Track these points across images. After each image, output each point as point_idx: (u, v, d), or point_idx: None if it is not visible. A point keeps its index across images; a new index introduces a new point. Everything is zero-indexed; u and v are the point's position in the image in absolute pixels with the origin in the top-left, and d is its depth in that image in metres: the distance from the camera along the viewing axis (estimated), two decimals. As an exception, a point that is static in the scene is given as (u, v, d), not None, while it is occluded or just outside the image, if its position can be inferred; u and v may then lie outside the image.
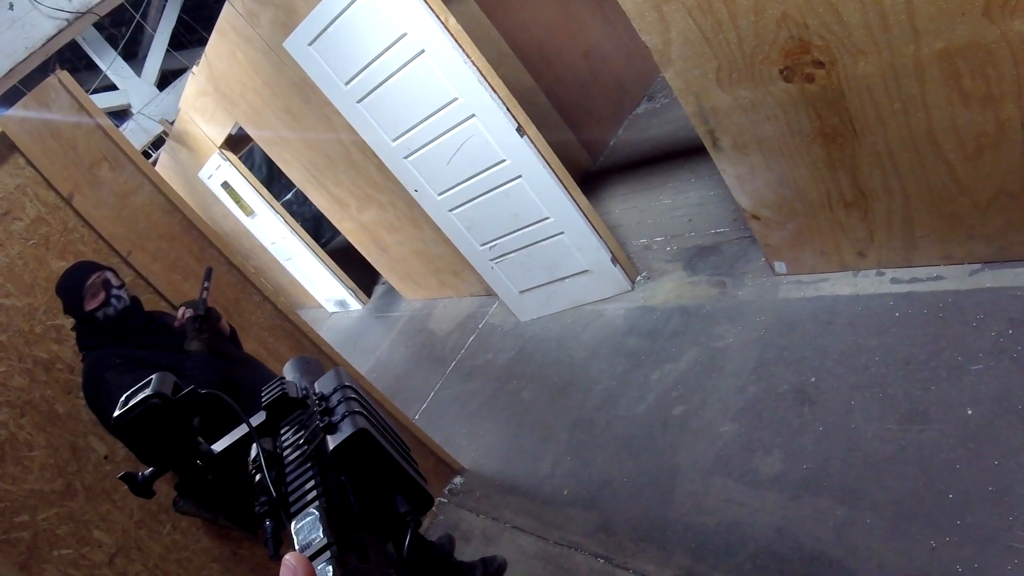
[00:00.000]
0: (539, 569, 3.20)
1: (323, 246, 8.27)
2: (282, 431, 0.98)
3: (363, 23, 3.73)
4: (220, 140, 7.03)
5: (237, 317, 3.37)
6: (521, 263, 4.56)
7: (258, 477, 0.90)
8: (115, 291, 2.76)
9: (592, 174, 6.31)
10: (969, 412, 2.41)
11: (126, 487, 2.79)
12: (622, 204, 5.56)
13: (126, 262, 3.07)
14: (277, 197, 7.93)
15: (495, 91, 3.71)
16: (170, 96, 9.86)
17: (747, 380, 3.19)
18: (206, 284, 2.89)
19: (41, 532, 2.82)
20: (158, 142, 9.77)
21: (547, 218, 4.16)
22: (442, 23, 3.55)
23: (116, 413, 0.92)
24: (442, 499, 3.98)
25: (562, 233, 4.21)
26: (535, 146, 3.86)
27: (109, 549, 2.95)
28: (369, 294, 8.51)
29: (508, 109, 3.76)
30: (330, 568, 0.62)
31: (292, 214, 7.98)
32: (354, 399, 0.96)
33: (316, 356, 3.57)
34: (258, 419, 0.99)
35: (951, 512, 2.21)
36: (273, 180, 11.48)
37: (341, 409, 0.92)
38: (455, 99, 3.80)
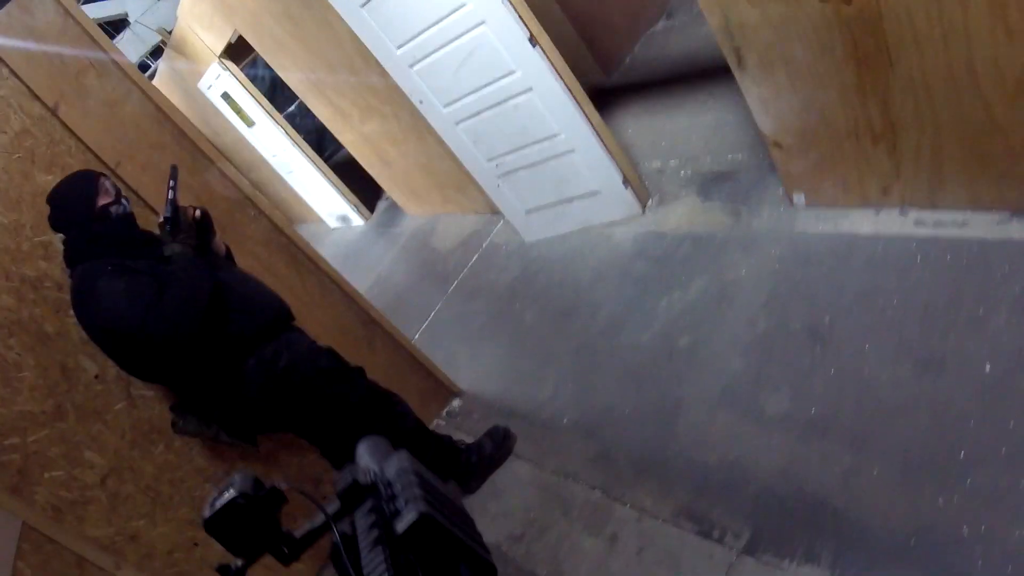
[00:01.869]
0: (535, 497, 3.15)
1: (326, 160, 8.13)
2: (356, 514, 1.11)
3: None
4: (219, 49, 6.88)
5: (232, 231, 3.25)
6: (528, 181, 4.41)
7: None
8: (122, 194, 2.71)
9: (605, 91, 6.08)
10: (987, 367, 2.28)
11: (118, 406, 2.74)
12: (635, 123, 5.37)
13: (115, 174, 2.93)
14: (280, 109, 7.80)
15: (507, -3, 3.51)
16: (168, 4, 9.62)
17: (758, 314, 3.07)
18: (172, 184, 2.71)
19: (32, 454, 2.77)
20: (156, 52, 9.58)
21: (557, 134, 3.99)
22: (454, -80, 3.35)
23: (206, 515, 1.06)
24: (439, 420, 3.91)
25: (572, 151, 4.04)
26: (547, 58, 3.66)
27: (101, 470, 2.91)
28: (372, 209, 8.38)
29: (520, 17, 3.55)
30: None
31: (294, 127, 7.86)
32: (415, 483, 1.07)
33: (314, 272, 3.52)
34: (333, 508, 1.12)
35: (961, 470, 2.10)
36: (276, 92, 11.27)
37: (405, 494, 1.04)
38: (463, 4, 3.60)
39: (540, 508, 3.08)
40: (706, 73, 5.20)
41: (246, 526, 1.09)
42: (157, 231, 2.69)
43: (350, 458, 1.23)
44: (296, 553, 1.16)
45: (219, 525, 1.08)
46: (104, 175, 2.70)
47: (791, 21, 2.60)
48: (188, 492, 3.12)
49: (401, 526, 0.98)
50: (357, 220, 8.34)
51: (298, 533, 1.15)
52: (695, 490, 2.66)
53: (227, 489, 1.09)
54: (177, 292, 2.50)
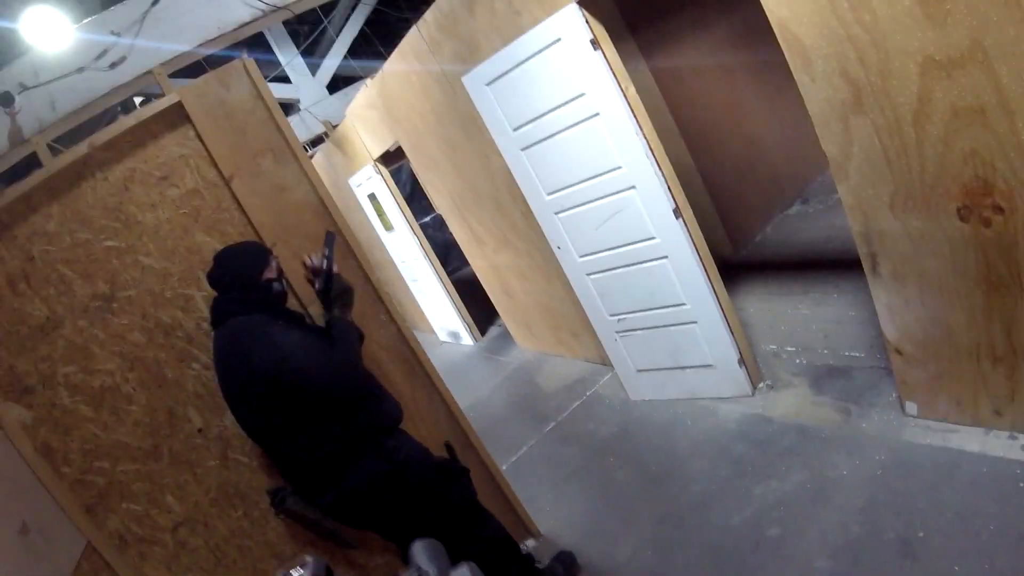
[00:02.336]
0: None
1: (449, 274, 8.35)
2: None
3: (543, 75, 3.78)
4: (377, 153, 7.26)
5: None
6: (646, 342, 4.48)
7: None
8: (283, 274, 2.89)
9: (732, 266, 6.17)
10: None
11: (211, 463, 2.84)
12: (757, 303, 5.42)
13: (269, 252, 3.13)
14: (415, 218, 8.09)
15: (660, 167, 3.68)
16: (337, 100, 10.25)
17: (853, 518, 3.02)
18: (327, 252, 2.89)
19: (116, 483, 2.93)
20: (316, 141, 10.14)
21: (684, 304, 4.08)
22: (622, 90, 3.57)
23: None
24: (512, 559, 3.87)
25: (695, 322, 4.12)
26: (688, 230, 3.80)
27: (176, 517, 3.04)
28: (483, 332, 8.52)
29: (669, 188, 3.72)
30: None
31: (426, 238, 8.10)
32: None
33: (424, 384, 3.60)
34: None
35: None
36: (413, 201, 11.71)
37: None
38: (618, 167, 3.79)
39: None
40: (835, 265, 5.27)
41: None
42: (312, 296, 2.89)
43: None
44: None
45: None
46: (273, 253, 2.88)
47: (929, 237, 2.69)
48: (253, 562, 3.20)
49: None
50: (467, 339, 8.47)
51: None
52: None
53: (299, 569, 1.10)
54: (345, 348, 2.69)
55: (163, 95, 3.07)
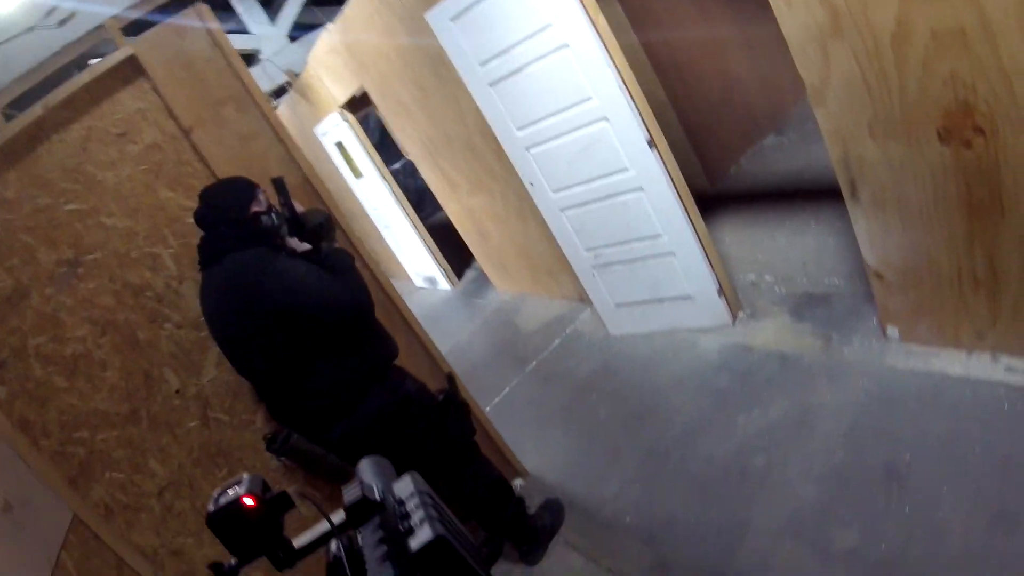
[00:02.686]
0: (586, 594, 3.09)
1: (422, 220, 8.26)
2: (360, 530, 1.07)
3: (509, 6, 3.67)
4: (343, 100, 7.12)
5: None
6: (623, 276, 4.44)
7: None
8: (272, 208, 2.74)
9: (708, 198, 6.11)
10: (1065, 533, 2.21)
11: (191, 424, 2.77)
12: (734, 234, 5.39)
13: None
14: (385, 164, 7.97)
15: (632, 98, 3.60)
16: (300, 48, 10.02)
17: (837, 444, 3.02)
18: (281, 199, 2.78)
19: (97, 452, 2.85)
20: (279, 91, 9.93)
21: (660, 235, 4.03)
22: (591, 20, 3.46)
23: (210, 509, 1.04)
24: (501, 498, 3.86)
25: (672, 254, 4.07)
26: (663, 161, 3.73)
27: (160, 481, 2.97)
28: (460, 276, 8.48)
29: (642, 119, 3.64)
30: None
31: (397, 184, 8.00)
32: (430, 505, 1.07)
33: (403, 330, 3.55)
34: (338, 518, 1.09)
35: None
36: (383, 148, 11.55)
37: (419, 514, 1.04)
38: (589, 99, 3.71)
39: (590, 605, 3.03)
40: (812, 194, 5.23)
41: (247, 526, 1.06)
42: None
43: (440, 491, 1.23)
44: (292, 560, 1.13)
45: (221, 523, 1.06)
46: (259, 187, 2.76)
47: (910, 161, 2.64)
48: (241, 521, 3.15)
49: (416, 544, 0.97)
50: (444, 284, 8.44)
51: (299, 542, 1.14)
52: (751, 616, 2.58)
53: (233, 486, 1.08)
54: (353, 276, 2.71)
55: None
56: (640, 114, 3.64)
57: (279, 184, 2.78)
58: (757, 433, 3.34)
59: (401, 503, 1.08)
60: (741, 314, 4.26)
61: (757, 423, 3.40)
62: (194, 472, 3.04)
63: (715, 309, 4.20)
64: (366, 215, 8.84)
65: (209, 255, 2.63)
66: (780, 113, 7.10)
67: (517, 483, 3.87)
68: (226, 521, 1.05)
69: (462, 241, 7.19)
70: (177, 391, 3.00)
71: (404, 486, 1.13)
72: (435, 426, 2.94)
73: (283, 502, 1.09)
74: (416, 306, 8.21)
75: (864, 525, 2.63)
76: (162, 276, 2.95)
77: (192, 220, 2.69)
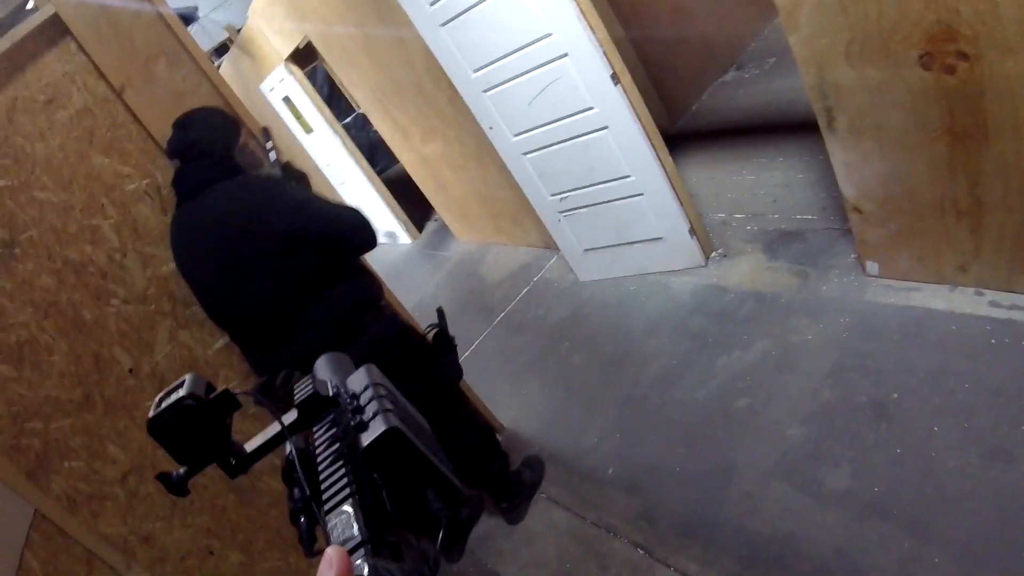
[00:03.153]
0: (571, 548, 3.03)
1: (377, 174, 8.09)
2: (314, 429, 0.98)
3: (457, -62, 3.46)
4: (286, 53, 6.88)
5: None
6: (591, 220, 4.30)
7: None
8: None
9: (670, 137, 5.96)
10: (1058, 463, 2.17)
11: (148, 404, 2.63)
12: (699, 173, 5.27)
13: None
14: (336, 119, 7.78)
15: (594, 32, 3.42)
16: (239, 2, 9.68)
17: (822, 383, 2.95)
18: (269, 145, 2.75)
19: (53, 441, 2.69)
20: (221, 49, 9.62)
21: (628, 176, 3.89)
22: (547, -50, 3.27)
23: (151, 415, 0.94)
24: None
25: (641, 195, 3.94)
26: (628, 97, 3.57)
27: (122, 466, 2.83)
28: (420, 229, 8.35)
29: (605, 53, 3.46)
30: (366, 565, 0.63)
31: (350, 139, 7.80)
32: (385, 396, 0.98)
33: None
34: (290, 417, 1.00)
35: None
36: (333, 102, 11.30)
37: (372, 407, 0.95)
38: (548, 35, 3.52)
39: (576, 560, 2.96)
40: (776, 129, 5.14)
41: (193, 431, 0.99)
42: None
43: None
44: (245, 466, 1.05)
45: (164, 428, 0.98)
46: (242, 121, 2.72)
47: (889, 87, 2.52)
48: (210, 500, 3.03)
49: (367, 439, 0.89)
50: (404, 238, 8.30)
51: (250, 446, 1.05)
52: (744, 561, 2.54)
53: (176, 389, 0.98)
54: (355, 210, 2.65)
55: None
56: (602, 48, 3.46)
57: (266, 132, 2.79)
58: (738, 374, 3.26)
59: (355, 397, 0.99)
60: (714, 254, 4.16)
61: (737, 364, 3.32)
62: (156, 454, 2.89)
63: (687, 250, 4.09)
64: (319, 171, 8.60)
65: (192, 186, 2.52)
66: (738, 49, 6.99)
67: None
68: (169, 426, 0.97)
69: (420, 193, 7.04)
70: (130, 371, 2.84)
71: (358, 379, 1.03)
72: (428, 362, 2.87)
73: (228, 401, 1.00)
74: (377, 262, 8.07)
75: (855, 465, 2.58)
76: (104, 249, 2.76)
77: (131, 188, 2.62)
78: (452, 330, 2.98)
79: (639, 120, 3.64)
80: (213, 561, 3.06)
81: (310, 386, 0.99)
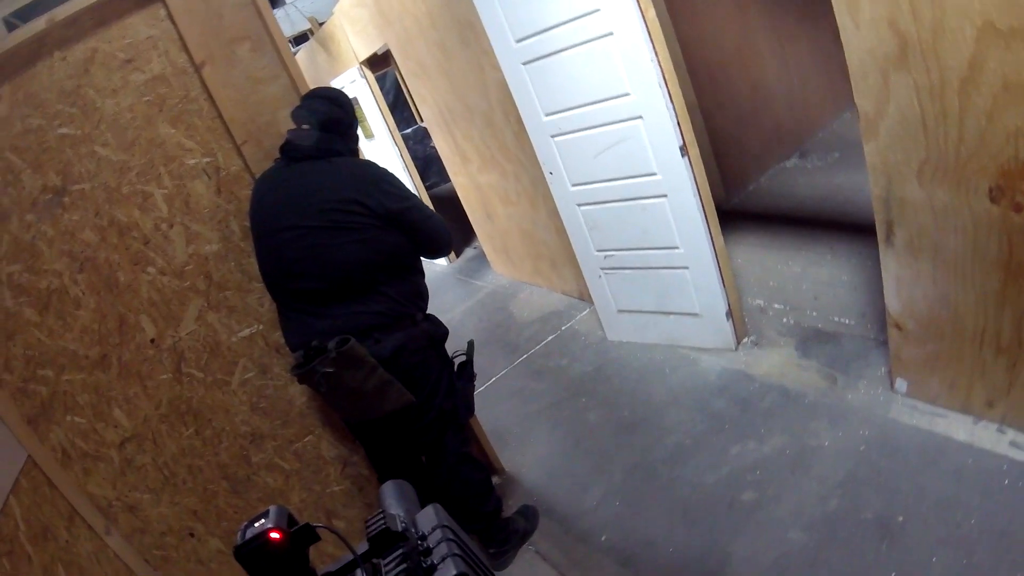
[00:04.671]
0: (551, 609, 2.98)
1: (427, 189, 8.12)
2: (384, 562, 1.10)
3: (555, -16, 3.48)
4: (364, 56, 6.96)
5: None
6: (632, 282, 4.30)
7: None
8: None
9: (723, 212, 5.96)
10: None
11: (163, 376, 2.67)
12: (746, 254, 5.26)
13: (238, 150, 2.88)
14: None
15: (672, 99, 3.44)
16: (326, -3, 9.80)
17: (831, 491, 2.91)
18: None
19: (60, 393, 2.71)
20: (300, 38, 9.73)
21: (677, 248, 3.89)
22: (641, 11, 3.29)
23: (237, 542, 1.06)
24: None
25: (687, 268, 3.93)
26: (692, 170, 3.58)
27: (124, 432, 2.84)
28: (458, 254, 8.36)
29: (679, 123, 3.48)
30: None
31: (407, 150, 7.85)
32: (452, 540, 1.11)
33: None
34: (362, 549, 1.12)
35: None
36: (396, 110, 11.38)
37: (442, 549, 1.08)
38: (627, 94, 3.53)
39: (553, 622, 2.92)
40: (830, 225, 5.13)
41: (275, 559, 1.08)
42: None
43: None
44: None
45: (248, 554, 1.07)
46: None
47: (954, 212, 2.52)
48: (203, 483, 3.04)
49: None
50: (441, 260, 8.25)
51: (323, 572, 1.16)
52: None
53: (260, 519, 1.09)
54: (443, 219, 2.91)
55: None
56: (677, 117, 3.48)
57: None
58: (750, 466, 3.23)
59: (423, 537, 1.12)
60: (746, 339, 4.14)
61: (751, 455, 3.28)
62: (159, 428, 2.91)
63: (721, 331, 4.07)
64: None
65: (316, 152, 2.66)
66: (806, 135, 6.99)
67: (493, 480, 3.74)
68: (254, 555, 1.07)
69: (465, 217, 7.06)
70: (152, 340, 2.85)
71: (427, 518, 1.17)
72: (451, 379, 3.00)
73: (308, 535, 1.10)
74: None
75: (850, 581, 2.53)
76: (151, 217, 2.78)
77: (191, 163, 2.75)
78: (475, 363, 3.01)
79: (699, 195, 3.64)
80: (192, 543, 3.06)
81: (382, 520, 1.10)
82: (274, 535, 1.07)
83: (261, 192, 2.71)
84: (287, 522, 1.10)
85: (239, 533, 1.08)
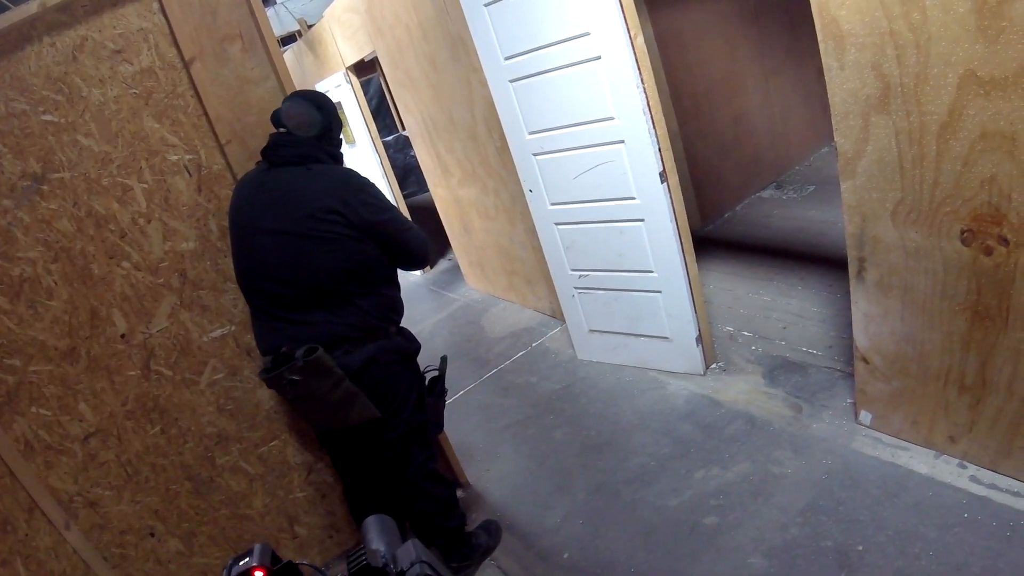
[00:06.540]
0: (508, 626, 2.98)
1: (404, 198, 8.12)
2: None
3: (549, 5, 3.52)
4: (351, 61, 6.97)
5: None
6: (604, 303, 4.33)
7: None
8: None
9: (698, 238, 6.06)
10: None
11: (131, 372, 2.66)
12: (717, 281, 5.32)
13: (221, 149, 2.87)
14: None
15: (655, 126, 3.48)
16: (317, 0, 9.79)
17: (792, 519, 2.94)
18: None
19: (27, 383, 2.69)
20: (287, 39, 9.71)
21: (651, 272, 3.92)
22: (630, 37, 3.34)
23: None
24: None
25: (659, 292, 3.97)
26: (671, 197, 3.62)
27: (88, 427, 2.83)
28: (432, 265, 8.36)
29: (660, 149, 3.52)
30: None
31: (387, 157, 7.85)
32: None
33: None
34: None
35: None
36: (378, 116, 11.38)
37: None
38: (611, 118, 3.58)
39: (511, 638, 2.92)
40: (803, 257, 5.20)
41: None
42: None
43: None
44: None
45: None
46: None
47: (926, 253, 2.59)
48: (166, 482, 3.02)
49: None
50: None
51: None
52: None
53: (244, 558, 1.11)
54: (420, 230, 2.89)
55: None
56: (659, 143, 3.52)
57: None
58: (713, 491, 3.25)
59: (402, 572, 1.14)
60: (714, 365, 4.18)
61: (714, 481, 3.31)
62: (125, 424, 2.90)
63: (690, 356, 4.11)
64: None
65: (296, 158, 2.65)
66: (784, 168, 7.11)
67: (457, 493, 3.74)
68: None
69: (443, 229, 7.07)
70: (123, 335, 2.84)
71: (406, 553, 1.19)
72: (421, 394, 2.99)
73: (291, 572, 1.13)
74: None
75: (807, 610, 2.55)
76: (130, 211, 2.77)
77: (173, 159, 2.73)
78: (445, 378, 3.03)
79: (676, 221, 3.68)
80: (151, 543, 3.04)
81: (363, 557, 1.13)
82: (258, 574, 1.08)
83: (243, 194, 2.70)
84: (271, 560, 1.11)
85: (224, 571, 1.11)
